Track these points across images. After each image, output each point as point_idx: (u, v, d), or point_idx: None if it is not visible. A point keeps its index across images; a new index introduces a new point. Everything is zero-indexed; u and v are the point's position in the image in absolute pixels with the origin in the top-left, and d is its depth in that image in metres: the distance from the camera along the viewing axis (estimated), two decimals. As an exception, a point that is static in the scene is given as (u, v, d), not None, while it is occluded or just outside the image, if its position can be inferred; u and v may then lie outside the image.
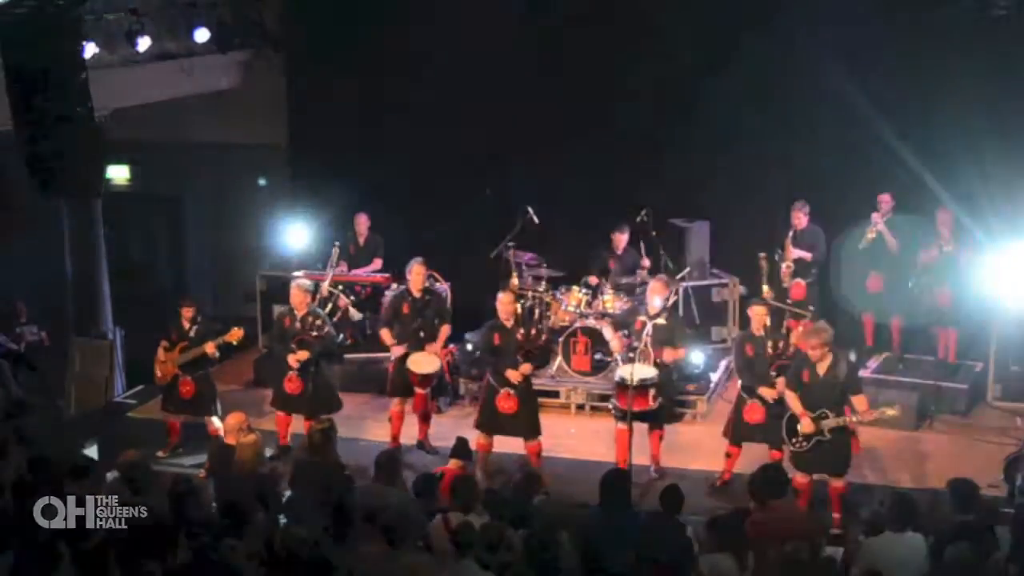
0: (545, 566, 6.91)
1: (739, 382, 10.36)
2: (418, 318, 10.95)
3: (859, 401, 9.32)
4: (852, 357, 10.77)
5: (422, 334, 10.91)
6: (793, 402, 9.45)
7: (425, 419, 11.13)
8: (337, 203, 14.36)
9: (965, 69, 11.95)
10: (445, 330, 11.14)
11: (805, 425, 9.31)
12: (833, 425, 9.25)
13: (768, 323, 10.23)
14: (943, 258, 11.71)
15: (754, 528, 7.55)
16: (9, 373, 13.22)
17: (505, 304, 10.48)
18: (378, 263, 13.59)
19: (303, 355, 10.84)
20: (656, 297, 10.39)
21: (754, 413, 10.00)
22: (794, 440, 9.43)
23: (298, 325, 10.93)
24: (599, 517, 7.76)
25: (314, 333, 10.90)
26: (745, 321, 12.30)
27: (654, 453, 10.46)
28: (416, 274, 11.01)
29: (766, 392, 9.93)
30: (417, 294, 11.02)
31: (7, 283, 14.19)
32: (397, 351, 10.92)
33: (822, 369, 9.34)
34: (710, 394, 11.98)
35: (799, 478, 9.50)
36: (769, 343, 10.06)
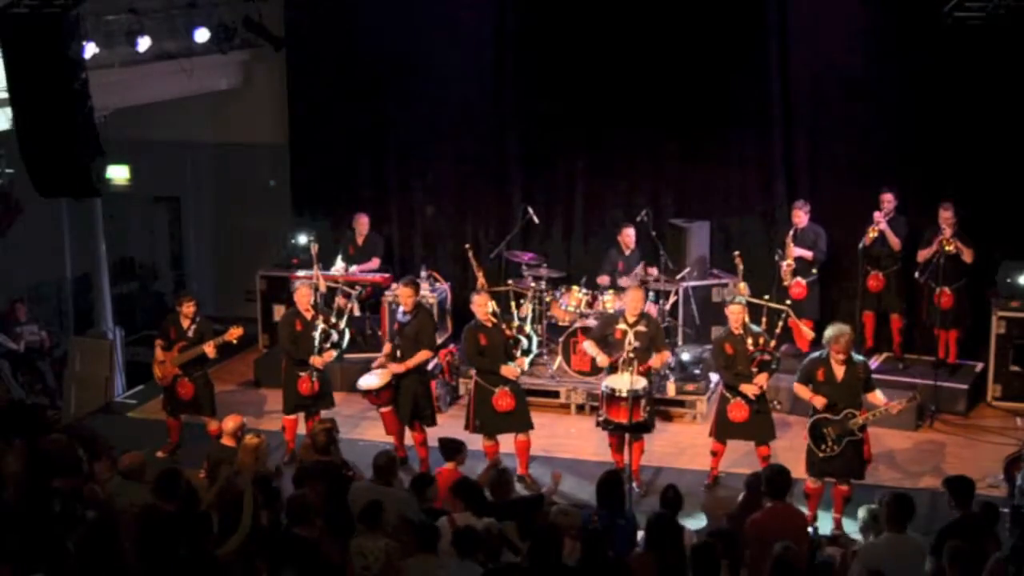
0: (548, 566, 6.92)
1: (721, 381, 10.41)
2: (398, 336, 10.73)
3: (874, 397, 9.39)
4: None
5: (399, 353, 10.67)
6: (803, 392, 9.52)
7: (420, 445, 10.79)
8: (337, 203, 14.39)
9: (966, 66, 11.95)
10: (419, 355, 10.63)
11: (817, 402, 9.33)
12: (862, 423, 9.29)
13: (746, 320, 10.24)
14: (944, 257, 11.70)
15: (753, 528, 7.56)
16: (9, 373, 13.23)
17: (481, 305, 10.42)
18: (376, 262, 13.59)
19: (331, 355, 10.88)
20: (634, 305, 10.33)
21: (738, 411, 10.04)
22: (823, 446, 9.39)
23: (313, 324, 10.81)
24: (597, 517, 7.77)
25: (329, 329, 10.92)
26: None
27: (634, 467, 10.21)
28: (402, 296, 10.78)
29: (747, 388, 9.99)
30: (404, 312, 10.75)
31: (7, 283, 14.19)
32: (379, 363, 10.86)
33: (840, 370, 9.37)
34: (710, 394, 11.96)
35: (810, 483, 9.55)
36: (749, 340, 10.07)
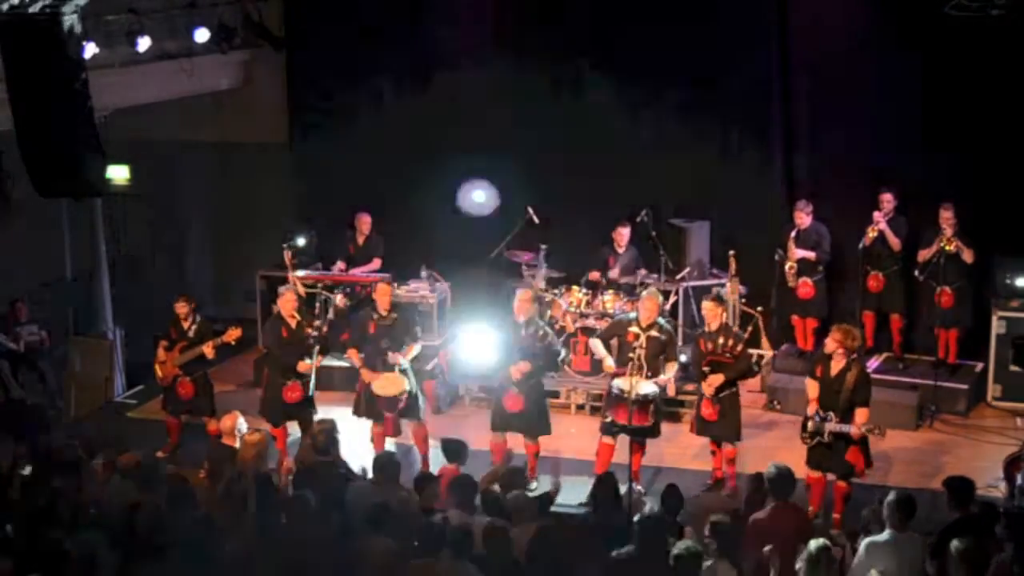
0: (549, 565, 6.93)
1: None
2: (384, 337, 10.63)
3: (860, 414, 9.35)
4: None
5: (389, 355, 10.60)
6: (810, 388, 9.62)
7: (422, 440, 10.80)
8: (337, 203, 14.38)
9: (966, 66, 11.96)
10: (410, 349, 10.73)
11: (810, 409, 9.47)
12: (833, 430, 9.32)
13: (726, 320, 10.26)
14: (944, 257, 11.69)
15: (754, 528, 7.56)
16: (9, 373, 13.23)
17: (522, 301, 10.39)
18: (377, 263, 13.58)
19: (320, 360, 10.85)
20: (649, 311, 10.27)
21: (707, 408, 10.12)
22: (803, 435, 9.57)
23: (299, 331, 10.73)
24: (594, 519, 7.78)
25: (315, 334, 10.87)
26: (744, 321, 12.39)
27: (635, 469, 10.14)
28: (382, 294, 10.72)
29: (704, 386, 10.09)
30: (384, 312, 10.69)
31: (7, 283, 14.18)
32: (366, 376, 10.58)
33: (834, 370, 9.44)
34: (710, 394, 11.98)
35: (811, 474, 9.64)
36: (720, 339, 10.04)
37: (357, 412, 10.82)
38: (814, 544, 6.86)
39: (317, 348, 10.74)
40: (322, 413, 10.69)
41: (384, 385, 10.53)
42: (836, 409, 9.35)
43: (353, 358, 10.79)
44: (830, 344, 9.46)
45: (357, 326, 10.90)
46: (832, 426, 9.31)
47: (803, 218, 12.36)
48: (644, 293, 10.70)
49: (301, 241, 13.81)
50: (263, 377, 11.02)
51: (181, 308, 11.15)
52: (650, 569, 6.96)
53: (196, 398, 11.20)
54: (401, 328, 10.71)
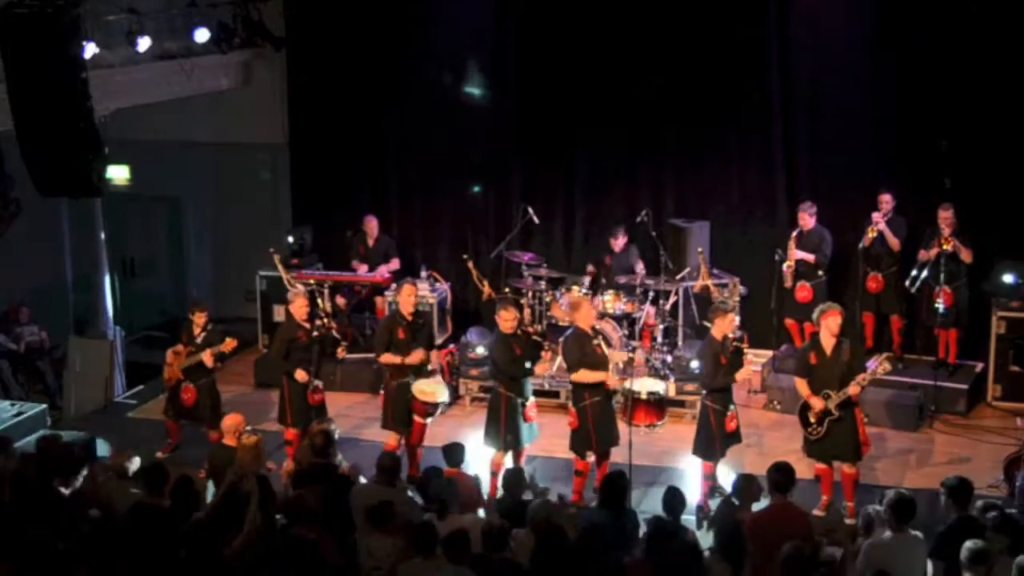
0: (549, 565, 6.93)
1: (710, 397, 9.83)
2: (413, 343, 10.43)
3: (859, 378, 9.43)
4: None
5: (432, 355, 10.54)
6: (801, 387, 9.61)
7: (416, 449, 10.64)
8: (337, 203, 14.39)
9: (966, 66, 11.97)
10: (434, 355, 10.90)
11: (815, 404, 9.44)
12: (838, 400, 9.37)
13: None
14: (943, 257, 11.69)
15: (754, 526, 7.56)
16: (9, 373, 13.24)
17: (508, 320, 9.98)
18: (396, 263, 13.53)
19: (342, 352, 10.98)
20: (589, 317, 10.03)
21: (733, 420, 9.86)
22: (809, 428, 9.56)
23: (314, 334, 10.64)
24: (598, 518, 7.78)
25: (332, 334, 10.88)
26: (745, 321, 12.35)
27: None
28: (408, 295, 10.49)
29: (742, 373, 9.91)
30: (409, 318, 10.48)
31: (7, 283, 14.19)
32: (415, 357, 10.33)
33: (828, 349, 9.50)
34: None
35: (818, 467, 9.70)
36: (731, 341, 9.95)
37: (384, 424, 10.62)
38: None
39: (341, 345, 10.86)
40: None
41: (430, 391, 10.39)
42: (835, 386, 9.41)
43: (391, 360, 10.42)
44: (833, 328, 9.45)
45: (384, 331, 10.53)
46: (837, 398, 9.35)
47: (806, 219, 12.34)
48: (567, 300, 10.59)
49: (290, 239, 13.81)
50: (283, 384, 10.63)
51: (200, 318, 11.12)
52: (655, 571, 6.96)
53: (198, 406, 11.16)
54: (425, 334, 10.62)
